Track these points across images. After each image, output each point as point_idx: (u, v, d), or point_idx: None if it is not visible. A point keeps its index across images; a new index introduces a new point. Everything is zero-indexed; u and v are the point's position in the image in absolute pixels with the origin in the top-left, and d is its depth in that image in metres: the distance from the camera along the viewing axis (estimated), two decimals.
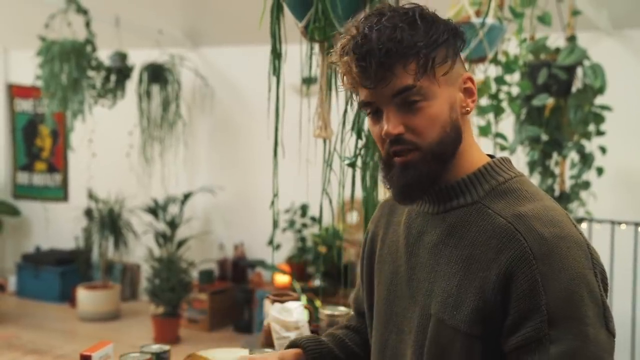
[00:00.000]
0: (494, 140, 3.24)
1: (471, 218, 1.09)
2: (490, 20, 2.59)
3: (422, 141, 1.07)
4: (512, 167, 1.15)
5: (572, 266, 0.99)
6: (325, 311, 1.80)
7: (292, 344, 1.39)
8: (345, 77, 1.11)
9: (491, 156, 1.17)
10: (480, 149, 1.17)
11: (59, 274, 6.26)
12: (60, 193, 6.75)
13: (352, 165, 1.87)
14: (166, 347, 1.59)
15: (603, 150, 3.60)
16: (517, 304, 0.99)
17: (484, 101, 3.14)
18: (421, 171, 1.08)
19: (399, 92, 1.06)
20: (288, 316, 1.64)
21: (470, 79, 1.13)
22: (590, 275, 1.00)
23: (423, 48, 1.04)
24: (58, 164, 6.76)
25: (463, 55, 1.16)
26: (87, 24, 4.74)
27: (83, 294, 5.76)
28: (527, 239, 1.00)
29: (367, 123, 1.84)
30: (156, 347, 1.58)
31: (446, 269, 1.09)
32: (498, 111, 3.12)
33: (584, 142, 3.58)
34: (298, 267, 5.34)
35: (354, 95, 1.17)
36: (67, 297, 6.18)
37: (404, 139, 1.07)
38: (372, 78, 1.05)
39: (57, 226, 6.62)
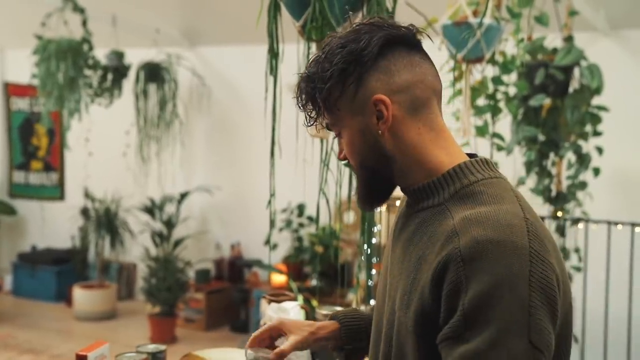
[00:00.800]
0: (491, 140, 3.24)
1: (432, 218, 1.11)
2: (487, 20, 2.59)
3: (353, 164, 1.19)
4: (485, 169, 1.13)
5: (498, 271, 0.97)
6: (322, 311, 1.80)
7: (332, 317, 1.44)
8: None
9: (472, 155, 1.17)
10: (452, 150, 1.15)
11: (55, 273, 6.25)
12: (57, 192, 6.74)
13: (349, 165, 1.87)
14: (162, 347, 1.58)
15: (600, 150, 3.60)
16: (445, 302, 1.01)
17: (482, 101, 3.14)
18: (362, 186, 1.19)
19: (328, 128, 1.20)
20: (284, 316, 1.63)
21: (381, 100, 1.11)
22: (521, 282, 0.98)
23: (318, 91, 1.13)
24: (54, 163, 6.74)
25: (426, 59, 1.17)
26: (84, 23, 4.73)
27: (79, 294, 5.76)
28: (461, 240, 1.01)
29: None
30: (152, 347, 1.57)
31: (407, 266, 1.12)
32: (495, 111, 3.12)
33: (581, 142, 3.58)
34: (295, 266, 5.34)
35: None
36: (63, 297, 6.17)
37: (348, 162, 1.21)
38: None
39: (54, 225, 6.61)
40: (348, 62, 1.11)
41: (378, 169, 1.16)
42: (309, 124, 1.21)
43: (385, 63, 1.11)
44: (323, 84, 1.12)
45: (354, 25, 1.16)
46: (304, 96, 1.17)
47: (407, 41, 1.13)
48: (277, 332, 1.39)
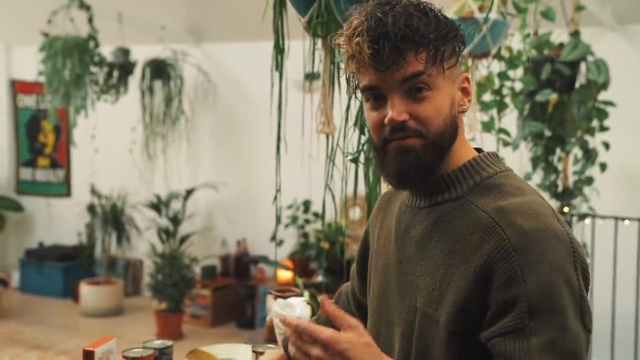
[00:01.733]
0: (497, 135, 3.23)
1: (455, 212, 1.10)
2: (493, 15, 2.59)
3: (426, 129, 1.08)
4: (498, 162, 1.15)
5: (551, 258, 0.99)
6: None
7: None
8: (350, 60, 1.09)
9: (479, 150, 1.18)
10: (469, 145, 1.18)
11: (62, 269, 6.27)
12: (63, 189, 6.75)
13: (355, 160, 1.87)
14: (169, 343, 1.59)
15: (606, 146, 3.58)
16: (497, 295, 1.00)
17: (488, 97, 3.13)
18: (420, 157, 1.08)
19: (409, 78, 1.06)
20: (291, 312, 1.64)
21: (467, 79, 1.15)
22: (570, 267, 1.01)
23: (435, 40, 1.05)
24: (61, 160, 6.76)
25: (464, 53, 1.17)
26: (90, 20, 4.74)
27: (86, 290, 5.77)
28: (507, 232, 1.01)
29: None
30: (159, 343, 1.58)
31: (431, 262, 1.10)
32: (501, 107, 3.11)
33: (587, 137, 3.57)
34: (301, 263, 5.34)
35: (353, 79, 1.16)
36: (70, 293, 6.19)
37: (408, 126, 1.07)
38: (383, 61, 1.05)
39: (60, 222, 6.63)
40: (458, 33, 1.11)
41: (448, 144, 1.11)
42: (395, 65, 1.05)
43: None
44: (442, 38, 1.07)
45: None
46: (421, 31, 1.04)
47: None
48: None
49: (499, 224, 1.02)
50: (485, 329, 1.02)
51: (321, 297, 1.09)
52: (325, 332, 0.99)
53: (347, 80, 1.18)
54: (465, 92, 1.14)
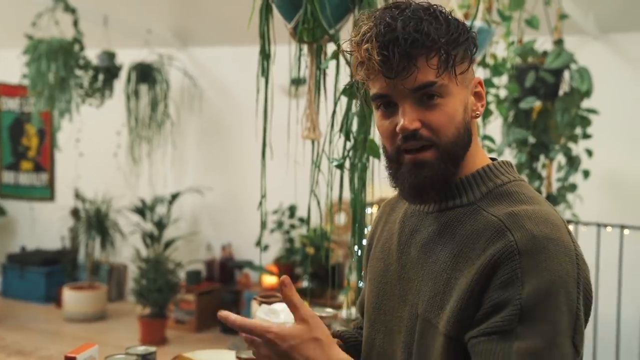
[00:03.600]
0: (482, 142, 3.25)
1: (465, 218, 1.07)
2: (478, 23, 2.60)
3: (438, 138, 1.05)
4: (512, 171, 1.13)
5: (556, 269, 0.97)
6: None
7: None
8: (359, 67, 1.06)
9: (493, 159, 1.16)
10: (483, 152, 1.16)
11: (44, 274, 6.22)
12: (47, 192, 6.70)
13: (341, 166, 1.87)
14: (152, 349, 1.58)
15: (589, 153, 3.62)
16: (492, 294, 0.97)
17: None
18: (436, 171, 1.05)
19: (420, 88, 1.03)
20: (275, 318, 1.63)
21: (481, 84, 1.12)
22: (572, 283, 0.98)
23: (446, 44, 1.02)
24: (44, 164, 6.71)
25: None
26: (75, 23, 4.72)
27: (69, 295, 5.73)
28: (515, 235, 0.98)
29: (356, 124, 1.85)
30: (142, 349, 1.57)
31: (434, 267, 1.07)
32: (486, 114, 3.12)
33: (571, 145, 3.60)
34: (286, 268, 5.33)
35: (363, 87, 1.12)
36: (53, 298, 6.14)
37: (420, 134, 1.04)
38: (393, 68, 1.01)
39: (43, 226, 6.58)
40: (472, 38, 1.08)
41: (463, 151, 1.07)
42: (405, 72, 1.02)
43: None
44: (454, 43, 1.03)
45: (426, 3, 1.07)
46: (432, 37, 1.01)
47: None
48: None
49: (509, 227, 1.00)
50: (473, 327, 0.99)
51: (282, 277, 1.09)
52: (272, 331, 0.98)
53: (357, 88, 1.16)
54: (478, 96, 1.11)
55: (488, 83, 3.01)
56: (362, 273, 1.37)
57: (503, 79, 3.30)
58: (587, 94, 3.45)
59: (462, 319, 1.00)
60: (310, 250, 5.06)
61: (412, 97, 1.04)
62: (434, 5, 1.06)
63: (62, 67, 4.68)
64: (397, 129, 1.04)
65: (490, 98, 3.14)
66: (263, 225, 1.97)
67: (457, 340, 1.01)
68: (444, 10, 1.06)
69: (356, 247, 1.94)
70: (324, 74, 1.89)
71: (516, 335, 0.95)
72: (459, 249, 1.05)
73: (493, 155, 3.46)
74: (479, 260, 1.00)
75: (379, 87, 1.06)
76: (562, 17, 3.59)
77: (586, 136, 3.56)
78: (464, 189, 1.09)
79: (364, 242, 1.51)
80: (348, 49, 1.08)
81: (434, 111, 1.04)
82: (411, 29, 1.00)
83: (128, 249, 5.89)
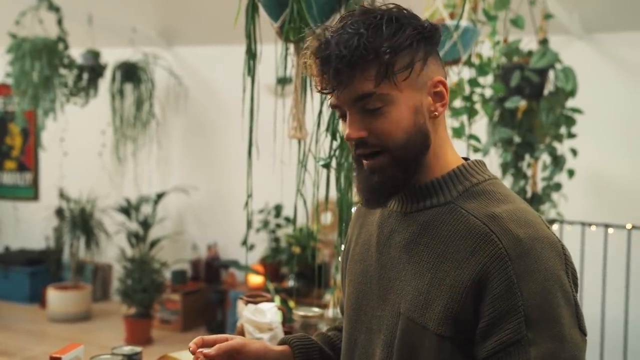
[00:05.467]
0: (467, 141, 3.26)
1: (444, 217, 1.08)
2: (464, 22, 2.61)
3: (386, 144, 1.07)
4: (486, 170, 1.15)
5: (546, 267, 1.00)
6: (299, 312, 1.80)
7: (281, 342, 1.36)
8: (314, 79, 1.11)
9: (465, 159, 1.17)
10: (455, 150, 1.17)
11: (28, 274, 6.17)
12: (31, 192, 6.65)
13: (327, 166, 1.87)
14: (138, 349, 1.57)
15: (574, 152, 3.64)
16: (492, 305, 0.99)
17: (458, 103, 3.16)
18: (385, 176, 1.08)
19: (359, 99, 1.06)
20: (261, 317, 1.63)
21: (442, 82, 1.10)
22: (564, 275, 1.02)
23: (383, 54, 1.03)
24: (28, 163, 6.66)
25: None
26: (59, 22, 4.68)
27: (53, 295, 5.69)
28: (502, 240, 1.00)
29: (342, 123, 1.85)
30: (127, 349, 1.56)
31: (417, 267, 1.09)
32: (471, 113, 3.14)
33: (556, 144, 3.62)
34: (272, 267, 5.33)
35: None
36: (37, 298, 6.09)
37: (368, 141, 1.07)
38: (330, 83, 1.06)
39: (27, 226, 6.53)
40: (420, 38, 1.07)
41: (415, 155, 1.09)
42: (342, 87, 1.05)
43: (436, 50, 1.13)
44: (393, 51, 1.03)
45: (389, 5, 1.09)
46: (362, 51, 1.02)
47: (438, 38, 1.13)
48: (237, 351, 1.23)
49: (494, 231, 1.02)
50: (480, 341, 1.01)
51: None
52: None
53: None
54: (438, 96, 1.10)
55: (474, 82, 3.02)
56: (341, 276, 1.38)
57: (488, 79, 3.31)
58: (572, 93, 3.47)
59: (454, 321, 1.02)
60: (297, 249, 5.06)
61: (356, 106, 1.07)
62: (387, 9, 1.07)
63: (46, 66, 4.64)
64: (344, 137, 1.10)
65: (475, 97, 3.15)
66: (249, 224, 1.97)
67: (452, 340, 1.03)
68: (395, 14, 1.06)
69: (342, 247, 1.94)
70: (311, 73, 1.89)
71: (529, 342, 0.97)
72: (442, 249, 1.06)
73: (478, 154, 3.49)
74: (468, 266, 1.02)
75: (331, 99, 1.10)
76: (547, 16, 3.61)
77: (571, 135, 3.58)
78: (440, 189, 1.11)
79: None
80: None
81: (379, 119, 1.06)
82: (342, 45, 1.02)
83: (113, 249, 5.86)
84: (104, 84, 5.35)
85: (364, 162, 1.10)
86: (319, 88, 1.10)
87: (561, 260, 1.03)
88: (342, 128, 1.14)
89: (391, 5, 1.09)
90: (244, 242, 5.08)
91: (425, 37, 1.08)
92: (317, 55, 1.06)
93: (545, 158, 3.68)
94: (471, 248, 1.02)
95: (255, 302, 1.71)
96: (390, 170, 1.08)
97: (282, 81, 1.93)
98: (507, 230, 1.01)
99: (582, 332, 1.02)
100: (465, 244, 1.03)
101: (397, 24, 1.06)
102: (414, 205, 1.13)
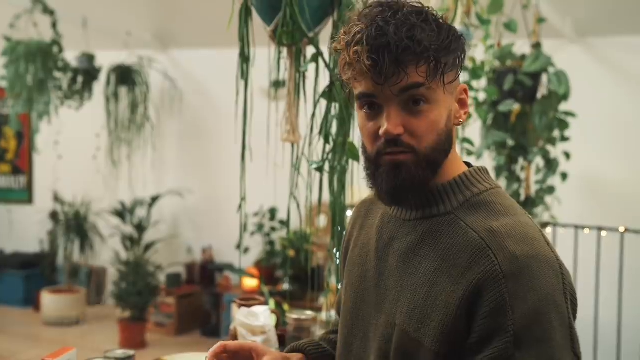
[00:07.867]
0: (461, 145, 3.27)
1: (443, 229, 1.06)
2: (457, 26, 2.62)
3: (419, 145, 1.04)
4: (488, 178, 1.13)
5: (541, 287, 0.97)
6: (293, 315, 1.80)
7: (292, 349, 1.33)
8: (347, 67, 1.04)
9: (468, 164, 1.15)
10: (459, 158, 1.15)
11: (22, 277, 6.15)
12: (25, 195, 6.64)
13: (320, 169, 1.88)
14: (131, 352, 1.57)
15: (567, 155, 3.66)
16: (482, 322, 0.97)
17: None
18: (413, 174, 1.04)
19: (407, 88, 1.01)
20: (254, 320, 1.63)
21: (465, 91, 1.11)
22: (560, 296, 0.98)
23: (436, 52, 1.00)
24: (23, 166, 6.65)
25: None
26: (54, 25, 4.68)
27: (47, 298, 5.67)
28: (498, 257, 0.98)
29: (335, 126, 1.86)
30: (120, 352, 1.56)
31: (414, 279, 1.07)
32: None
33: (549, 147, 3.63)
34: (266, 270, 5.33)
35: (347, 85, 1.10)
36: (31, 302, 6.08)
37: (402, 140, 1.03)
38: (383, 73, 1.00)
39: (21, 229, 6.51)
40: (462, 44, 1.06)
41: (439, 159, 1.06)
42: (395, 77, 1.00)
43: None
44: (446, 50, 1.02)
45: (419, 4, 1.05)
46: (424, 44, 0.99)
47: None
48: (248, 352, 1.20)
49: (490, 246, 0.99)
50: (469, 356, 0.99)
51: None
52: None
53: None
54: (462, 103, 1.10)
55: (467, 86, 3.04)
56: (339, 275, 1.37)
57: (482, 82, 3.33)
58: (565, 97, 3.49)
59: (450, 337, 1.00)
60: (291, 252, 5.06)
61: (398, 101, 1.03)
62: (427, 8, 1.05)
63: (41, 69, 4.63)
64: (381, 132, 1.03)
65: (469, 101, 3.16)
66: (243, 227, 1.97)
67: (444, 356, 1.01)
68: (435, 15, 1.04)
69: (336, 250, 1.95)
70: (304, 76, 1.89)
71: None
72: (439, 263, 1.04)
73: (472, 158, 3.50)
74: (463, 281, 1.00)
75: (365, 87, 1.04)
76: (540, 20, 3.63)
77: (564, 139, 3.60)
78: (441, 198, 1.09)
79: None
80: (339, 47, 1.06)
81: (418, 117, 1.03)
82: (403, 35, 0.98)
83: (107, 252, 5.85)
84: (99, 87, 5.35)
85: (387, 157, 1.05)
86: (358, 77, 1.04)
87: (558, 279, 0.99)
88: (364, 120, 1.08)
89: (422, 5, 1.06)
90: (239, 246, 5.08)
91: (463, 43, 1.07)
92: (369, 43, 0.99)
93: (539, 161, 3.70)
94: (467, 263, 1.00)
95: (249, 306, 1.71)
96: (419, 169, 1.04)
97: (276, 84, 1.94)
98: (504, 247, 0.99)
99: (576, 354, 0.99)
100: (462, 258, 1.01)
101: (444, 23, 1.04)
102: (413, 213, 1.11)
